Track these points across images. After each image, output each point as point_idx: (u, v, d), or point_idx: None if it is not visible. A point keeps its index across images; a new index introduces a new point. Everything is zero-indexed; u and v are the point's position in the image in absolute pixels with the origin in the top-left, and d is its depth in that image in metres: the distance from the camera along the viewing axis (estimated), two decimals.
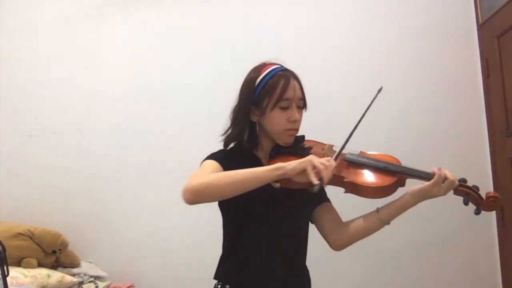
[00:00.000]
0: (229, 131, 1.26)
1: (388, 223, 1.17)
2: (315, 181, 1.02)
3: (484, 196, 1.19)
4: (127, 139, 2.55)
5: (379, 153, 1.30)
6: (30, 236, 2.19)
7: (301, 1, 2.53)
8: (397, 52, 2.42)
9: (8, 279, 1.33)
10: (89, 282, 2.27)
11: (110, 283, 2.32)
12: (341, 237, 1.19)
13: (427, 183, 1.17)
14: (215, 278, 1.26)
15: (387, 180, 1.17)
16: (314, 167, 1.04)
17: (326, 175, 1.04)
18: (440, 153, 2.35)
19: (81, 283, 2.23)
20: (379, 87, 1.31)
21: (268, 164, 1.14)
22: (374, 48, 2.43)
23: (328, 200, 1.31)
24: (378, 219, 1.13)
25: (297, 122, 1.22)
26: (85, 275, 2.30)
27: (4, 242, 1.34)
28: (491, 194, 1.18)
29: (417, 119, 2.38)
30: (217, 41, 2.54)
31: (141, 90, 2.57)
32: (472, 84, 2.36)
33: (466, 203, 1.19)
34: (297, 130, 1.24)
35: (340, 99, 2.42)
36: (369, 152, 1.29)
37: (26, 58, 2.67)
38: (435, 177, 1.14)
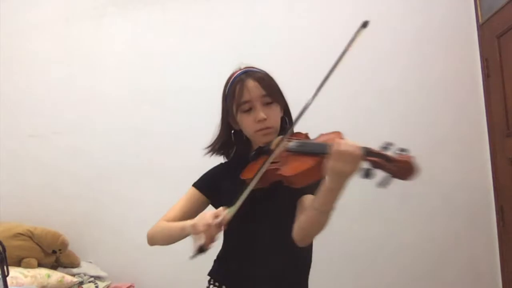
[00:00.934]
0: (213, 142, 1.29)
1: (323, 211, 1.00)
2: (194, 244, 1.04)
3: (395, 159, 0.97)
4: (127, 140, 2.55)
5: (331, 132, 1.19)
6: (30, 236, 2.19)
7: (301, 1, 2.53)
8: (397, 52, 2.42)
9: (8, 279, 1.33)
10: (89, 282, 2.27)
11: (110, 283, 2.32)
12: (295, 232, 1.08)
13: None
14: (208, 274, 1.31)
15: (305, 163, 1.03)
16: (198, 231, 1.05)
17: (206, 238, 1.03)
18: (440, 153, 2.35)
19: (81, 283, 2.23)
20: (364, 22, 1.11)
21: (248, 167, 1.17)
22: (374, 48, 2.43)
23: (308, 193, 1.15)
24: (313, 208, 1.01)
25: (267, 119, 1.18)
26: (85, 275, 2.30)
27: (4, 242, 1.34)
28: (402, 157, 0.98)
29: (417, 119, 2.38)
30: (217, 41, 2.55)
31: (141, 90, 2.57)
32: (472, 84, 2.36)
33: (368, 176, 0.95)
34: (270, 127, 1.20)
35: (340, 99, 2.42)
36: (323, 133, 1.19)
37: (26, 58, 2.67)
38: (332, 151, 0.95)
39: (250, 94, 1.18)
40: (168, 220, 1.28)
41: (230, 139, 1.28)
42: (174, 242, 1.23)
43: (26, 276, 2.01)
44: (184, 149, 2.43)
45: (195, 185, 1.32)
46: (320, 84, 1.12)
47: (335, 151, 0.94)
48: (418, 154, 2.26)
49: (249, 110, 1.19)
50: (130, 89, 2.58)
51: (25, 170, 2.58)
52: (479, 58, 2.34)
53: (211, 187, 1.29)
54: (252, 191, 1.07)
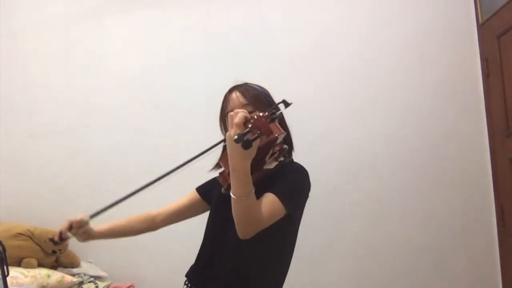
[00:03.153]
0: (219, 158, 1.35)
1: (235, 196, 1.02)
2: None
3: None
4: (127, 139, 2.55)
5: None
6: (30, 236, 2.19)
7: (302, 1, 2.53)
8: (397, 52, 2.42)
9: (8, 279, 1.32)
10: (89, 282, 2.27)
11: (110, 283, 2.32)
12: None
13: None
14: (185, 275, 1.37)
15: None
16: None
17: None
18: (440, 153, 2.35)
19: (81, 283, 2.23)
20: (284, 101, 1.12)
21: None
22: (374, 48, 2.43)
23: (270, 191, 1.14)
24: (231, 194, 1.04)
25: None
26: (85, 275, 2.30)
27: (4, 242, 1.34)
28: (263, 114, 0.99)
29: (417, 119, 2.38)
30: (217, 41, 2.55)
31: (141, 90, 2.57)
32: (472, 84, 2.36)
33: (238, 140, 0.93)
34: None
35: (340, 99, 2.42)
36: None
37: (26, 58, 2.67)
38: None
39: (231, 105, 1.24)
40: (160, 210, 1.45)
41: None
42: None
43: (26, 276, 2.00)
44: (184, 148, 2.42)
45: (197, 187, 1.44)
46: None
47: (228, 116, 1.03)
48: (418, 154, 2.29)
49: None
50: (130, 89, 2.58)
51: (25, 170, 2.57)
52: (479, 58, 2.34)
53: (207, 191, 1.40)
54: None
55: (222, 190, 1.18)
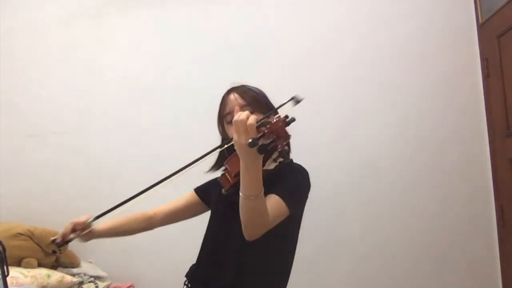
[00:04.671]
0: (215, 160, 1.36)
1: (246, 194, 1.02)
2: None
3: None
4: (127, 139, 2.55)
5: None
6: (30, 236, 2.19)
7: (302, 1, 2.53)
8: (397, 52, 2.42)
9: (8, 279, 1.32)
10: (89, 282, 2.27)
11: (110, 283, 2.32)
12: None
13: None
14: (185, 276, 1.37)
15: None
16: None
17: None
18: (440, 153, 2.35)
19: (81, 283, 2.23)
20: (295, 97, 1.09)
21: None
22: (374, 48, 2.43)
23: (273, 192, 1.15)
24: (240, 194, 1.03)
25: None
26: (85, 275, 2.30)
27: (4, 242, 1.34)
28: (277, 119, 0.97)
29: (417, 119, 2.38)
30: (217, 41, 2.55)
31: (141, 90, 2.57)
32: (472, 84, 2.36)
33: (253, 145, 0.93)
34: None
35: (339, 99, 2.42)
36: None
37: (26, 58, 2.67)
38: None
39: (230, 106, 1.26)
40: (156, 210, 1.46)
41: (224, 153, 1.32)
42: None
43: (26, 276, 2.00)
44: (184, 149, 2.42)
45: (195, 188, 1.46)
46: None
47: (233, 122, 1.00)
48: (418, 154, 2.28)
49: (232, 120, 1.24)
50: (130, 89, 2.58)
51: (25, 170, 2.57)
52: (479, 58, 2.34)
53: (205, 193, 1.41)
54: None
55: (223, 191, 1.18)
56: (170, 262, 2.38)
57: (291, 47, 2.48)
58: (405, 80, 2.41)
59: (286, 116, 1.00)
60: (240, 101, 1.25)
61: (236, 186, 1.12)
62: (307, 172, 1.26)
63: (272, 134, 0.95)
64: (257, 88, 1.32)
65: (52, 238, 1.34)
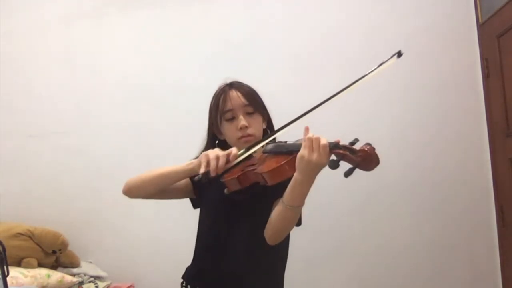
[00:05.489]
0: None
1: (292, 205, 1.04)
2: (201, 170, 1.08)
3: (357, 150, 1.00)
4: (127, 139, 2.55)
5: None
6: (30, 236, 2.19)
7: (302, 1, 2.53)
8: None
9: (8, 279, 1.33)
10: (89, 282, 2.27)
11: (110, 283, 2.32)
12: (266, 230, 1.12)
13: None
14: (181, 277, 1.35)
15: (279, 161, 1.08)
16: (207, 159, 1.10)
17: (213, 165, 1.08)
18: (440, 153, 2.35)
19: (81, 283, 2.23)
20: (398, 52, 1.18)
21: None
22: (374, 48, 2.43)
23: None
24: (282, 203, 1.05)
25: (249, 127, 1.24)
26: (85, 275, 2.30)
27: (4, 242, 1.34)
28: (362, 147, 0.99)
29: (417, 119, 2.38)
30: (217, 41, 2.55)
31: (141, 90, 2.57)
32: (472, 84, 2.36)
33: (335, 166, 0.98)
34: (251, 135, 1.24)
35: (339, 99, 2.42)
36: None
37: (26, 58, 2.67)
38: (303, 141, 1.03)
39: (232, 103, 1.25)
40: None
41: (212, 146, 1.32)
42: (160, 187, 1.24)
43: (26, 276, 2.01)
44: (183, 148, 2.42)
45: (191, 177, 1.32)
46: (321, 102, 1.23)
47: (307, 139, 1.00)
48: (418, 154, 2.28)
49: (232, 119, 1.26)
50: (130, 89, 2.58)
51: (25, 170, 2.57)
52: (479, 58, 2.34)
53: (199, 186, 1.32)
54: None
55: (226, 191, 1.16)
56: (170, 262, 2.38)
57: (292, 47, 2.48)
58: (405, 80, 2.40)
59: (356, 140, 1.03)
60: (243, 100, 1.25)
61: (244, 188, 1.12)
62: None
63: (364, 161, 0.97)
64: (250, 86, 1.33)
65: (204, 174, 1.12)
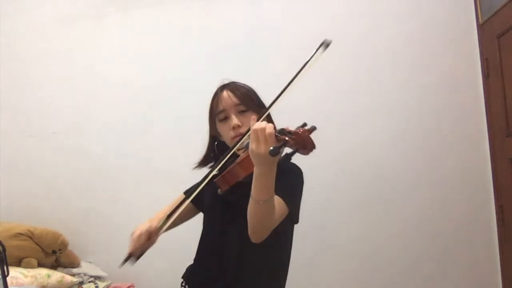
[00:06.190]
0: (202, 158, 1.37)
1: (259, 199, 1.01)
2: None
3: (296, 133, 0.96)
4: (126, 139, 2.55)
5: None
6: (30, 236, 2.19)
7: (301, 1, 2.53)
8: (397, 52, 2.42)
9: (8, 279, 1.33)
10: (89, 282, 2.27)
11: (110, 283, 2.32)
12: (248, 229, 1.09)
13: None
14: (182, 277, 1.38)
15: (244, 156, 1.08)
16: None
17: (135, 246, 1.24)
18: (440, 153, 2.35)
19: (81, 283, 2.23)
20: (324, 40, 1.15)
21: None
22: (374, 48, 2.43)
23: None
24: (251, 199, 1.03)
25: (242, 126, 1.24)
26: (85, 275, 2.30)
27: (4, 242, 1.34)
28: (296, 129, 0.96)
29: (417, 119, 2.38)
30: (217, 41, 2.55)
31: (140, 90, 2.57)
32: (472, 84, 2.36)
33: (275, 153, 0.91)
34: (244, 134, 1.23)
35: (338, 99, 2.42)
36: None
37: (26, 58, 2.67)
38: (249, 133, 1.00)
39: (223, 104, 1.26)
40: None
41: (214, 151, 1.35)
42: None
43: (26, 276, 2.01)
44: (183, 149, 2.43)
45: (185, 192, 1.41)
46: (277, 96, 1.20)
47: (252, 131, 0.97)
48: (418, 154, 2.28)
49: (225, 119, 1.27)
50: (130, 89, 2.58)
51: (25, 170, 2.58)
52: (479, 58, 2.34)
53: (197, 196, 1.30)
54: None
55: (219, 191, 1.16)
56: (170, 262, 2.38)
57: (291, 47, 2.48)
58: (405, 80, 2.40)
59: (305, 124, 0.99)
60: (234, 99, 1.26)
61: (233, 187, 1.12)
62: (301, 171, 1.27)
63: (297, 144, 0.93)
64: (247, 85, 1.33)
65: (127, 257, 1.26)
